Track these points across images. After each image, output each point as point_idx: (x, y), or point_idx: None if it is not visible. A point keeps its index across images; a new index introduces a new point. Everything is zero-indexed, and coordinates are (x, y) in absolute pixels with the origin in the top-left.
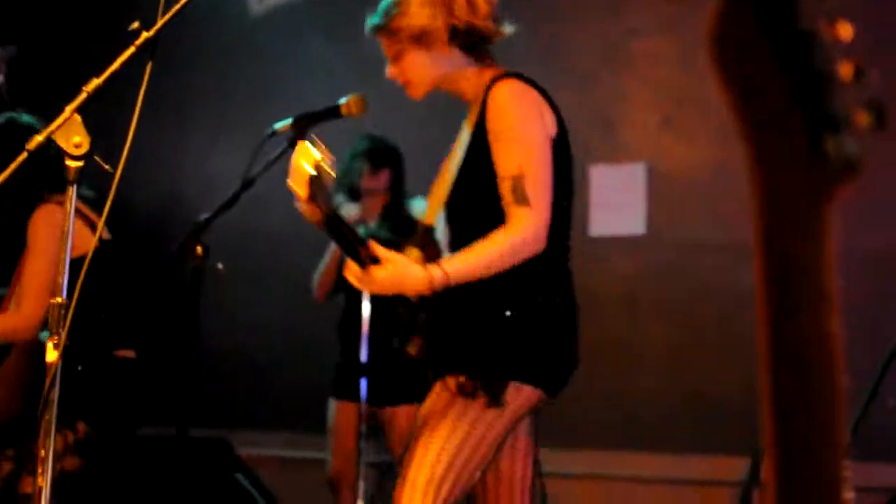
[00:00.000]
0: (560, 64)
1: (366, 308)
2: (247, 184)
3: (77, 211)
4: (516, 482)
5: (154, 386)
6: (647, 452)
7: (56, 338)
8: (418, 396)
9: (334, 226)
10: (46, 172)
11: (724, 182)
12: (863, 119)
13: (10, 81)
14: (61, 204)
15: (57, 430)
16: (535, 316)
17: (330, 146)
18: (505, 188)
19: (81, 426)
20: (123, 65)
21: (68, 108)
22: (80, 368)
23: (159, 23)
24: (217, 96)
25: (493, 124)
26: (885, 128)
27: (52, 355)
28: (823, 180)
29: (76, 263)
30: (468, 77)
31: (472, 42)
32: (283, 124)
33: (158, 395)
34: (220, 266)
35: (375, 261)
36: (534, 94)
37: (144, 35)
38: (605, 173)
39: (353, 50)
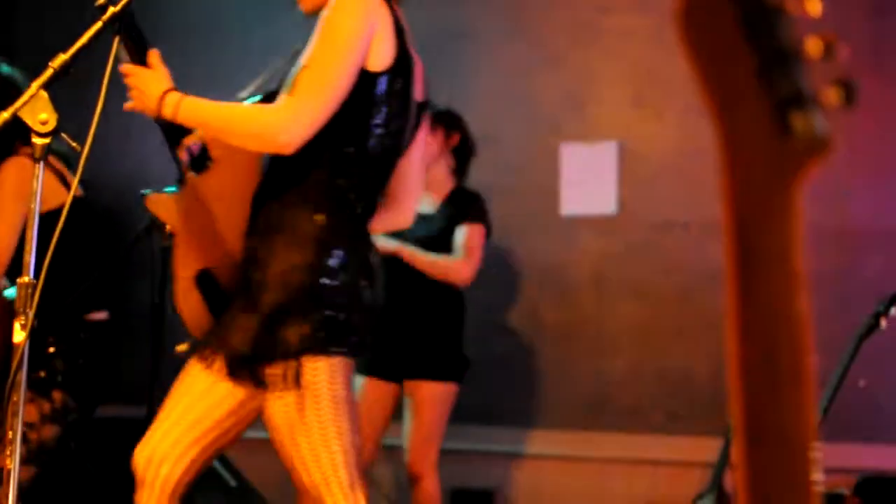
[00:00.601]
0: (531, 42)
1: None
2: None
3: (49, 165)
4: None
5: (120, 365)
6: (619, 433)
7: (23, 318)
8: (439, 373)
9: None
10: (18, 124)
11: (695, 160)
12: (832, 96)
13: None
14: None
15: (32, 401)
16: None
17: None
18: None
19: (57, 394)
20: (90, 40)
21: (34, 84)
22: (51, 340)
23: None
24: (182, 72)
25: (320, 22)
26: (855, 105)
27: (19, 336)
28: (791, 157)
29: (47, 218)
30: None
31: None
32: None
33: (125, 374)
34: None
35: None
36: (376, 13)
37: (111, 10)
38: (576, 152)
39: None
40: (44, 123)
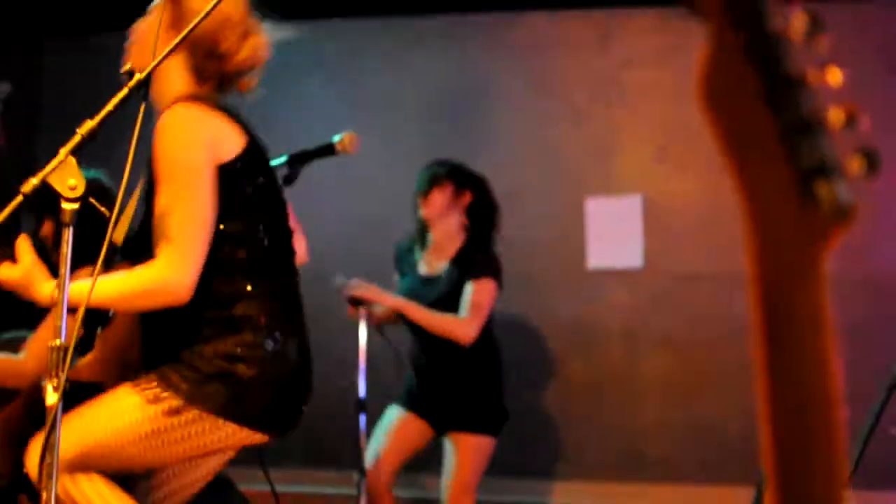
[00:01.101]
0: (554, 98)
1: (362, 336)
2: None
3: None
4: None
5: None
6: (652, 484)
7: (56, 381)
8: (478, 425)
9: None
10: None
11: (719, 212)
12: (855, 165)
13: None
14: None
15: None
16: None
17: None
18: (157, 226)
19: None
20: (117, 106)
21: (63, 151)
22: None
23: (152, 64)
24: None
25: (155, 158)
26: (877, 173)
27: (51, 398)
28: (816, 227)
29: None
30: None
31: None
32: (278, 162)
33: None
34: None
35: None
36: (203, 120)
37: (137, 77)
38: (601, 206)
39: (348, 88)
40: (72, 189)
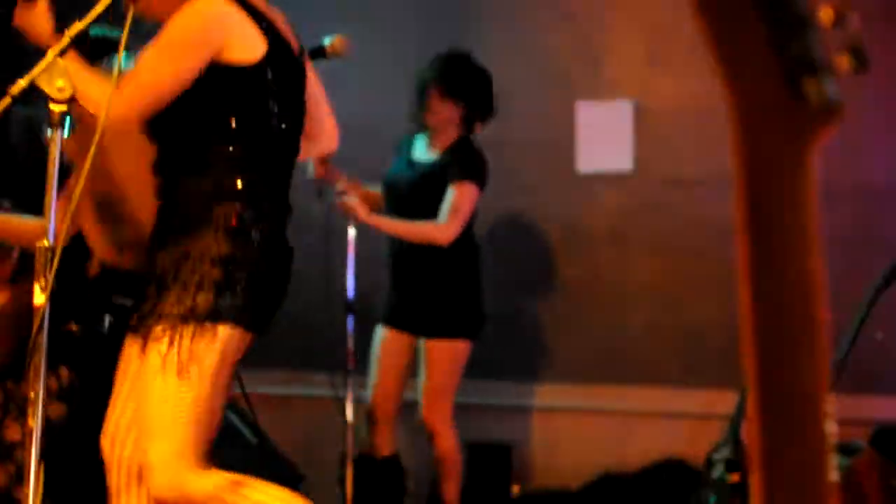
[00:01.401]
0: (546, 0)
1: (351, 233)
2: None
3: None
4: None
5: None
6: (638, 386)
7: (44, 281)
8: (451, 330)
9: None
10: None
11: (710, 117)
12: (843, 62)
13: None
14: None
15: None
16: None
17: None
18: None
19: (64, 372)
20: (106, 9)
21: (51, 52)
22: (74, 327)
23: None
24: None
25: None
26: (866, 71)
27: (39, 299)
28: (803, 124)
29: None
30: None
31: None
32: None
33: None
34: None
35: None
36: (222, 13)
37: None
38: (591, 110)
39: None
40: (61, 90)
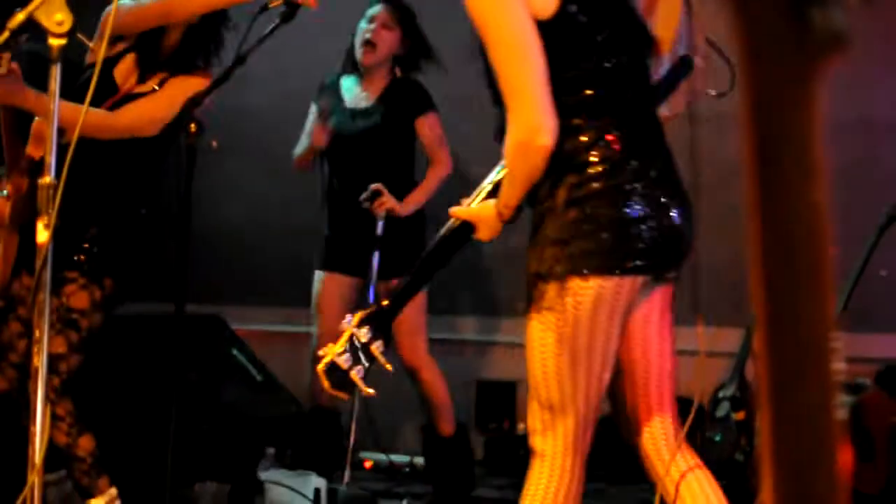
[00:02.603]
0: None
1: (380, 226)
2: (240, 59)
3: None
4: None
5: (147, 262)
6: None
7: (46, 218)
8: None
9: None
10: None
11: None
12: None
13: None
14: None
15: (84, 287)
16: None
17: None
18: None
19: (108, 282)
20: None
21: None
22: (93, 231)
23: None
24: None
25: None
26: (873, 2)
27: (42, 236)
28: (810, 55)
29: None
30: None
31: None
32: None
33: (151, 271)
34: (213, 143)
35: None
36: None
37: None
38: None
39: None
40: (59, 24)
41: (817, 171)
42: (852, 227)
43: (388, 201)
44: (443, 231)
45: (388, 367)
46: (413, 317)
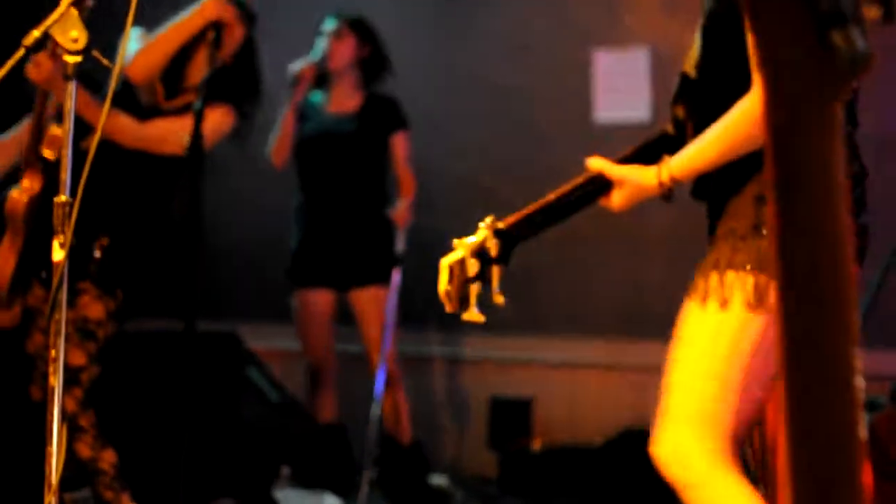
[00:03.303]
0: None
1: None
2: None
3: None
4: None
5: (159, 278)
6: (656, 341)
7: (62, 237)
8: (381, 277)
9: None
10: None
11: None
12: (871, 13)
13: None
14: None
15: (99, 298)
16: None
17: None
18: None
19: (120, 293)
20: None
21: (64, 2)
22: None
23: None
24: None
25: None
26: (894, 21)
27: (58, 255)
28: (832, 75)
29: None
30: None
31: None
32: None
33: (163, 287)
34: None
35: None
36: None
37: None
38: (608, 59)
39: None
40: (75, 41)
41: (839, 193)
42: (873, 244)
43: (405, 213)
44: (579, 181)
45: (500, 298)
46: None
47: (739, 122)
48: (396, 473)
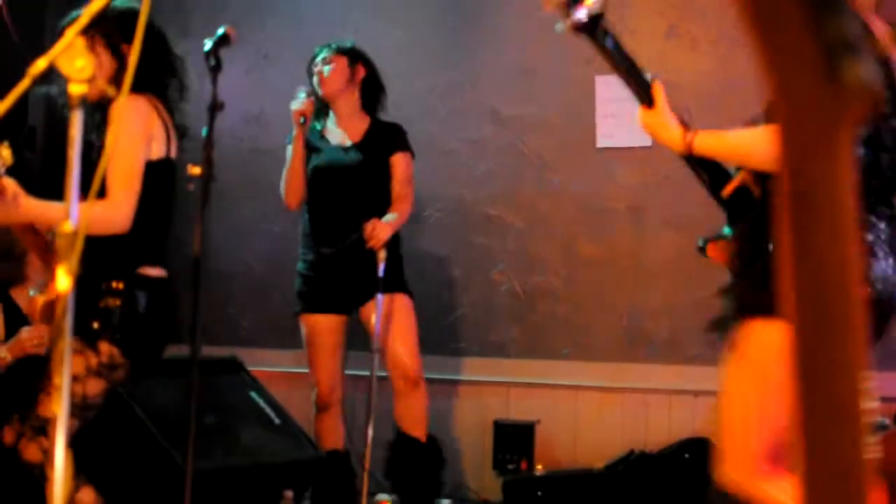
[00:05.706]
0: None
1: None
2: None
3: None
4: None
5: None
6: (658, 364)
7: (67, 265)
8: (403, 286)
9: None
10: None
11: (729, 90)
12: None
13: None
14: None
15: (79, 352)
16: None
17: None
18: None
19: (104, 347)
20: None
21: (70, 32)
22: (106, 290)
23: None
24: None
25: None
26: None
27: (64, 284)
28: (841, 104)
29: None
30: None
31: None
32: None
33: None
34: (194, 169)
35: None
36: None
37: None
38: (610, 84)
39: None
40: (80, 70)
41: (849, 222)
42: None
43: (383, 234)
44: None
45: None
46: (413, 327)
47: (762, 137)
48: (411, 467)
